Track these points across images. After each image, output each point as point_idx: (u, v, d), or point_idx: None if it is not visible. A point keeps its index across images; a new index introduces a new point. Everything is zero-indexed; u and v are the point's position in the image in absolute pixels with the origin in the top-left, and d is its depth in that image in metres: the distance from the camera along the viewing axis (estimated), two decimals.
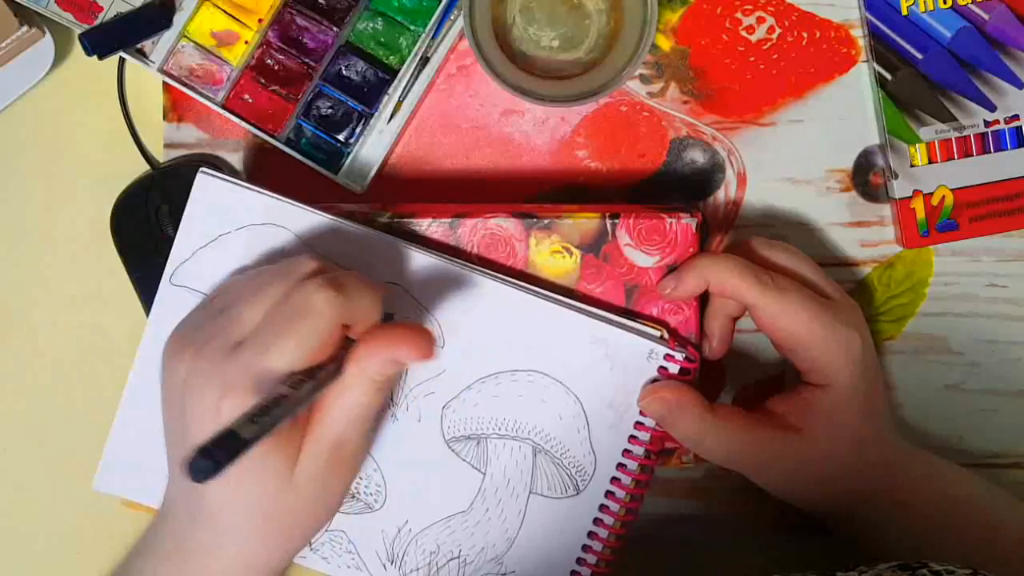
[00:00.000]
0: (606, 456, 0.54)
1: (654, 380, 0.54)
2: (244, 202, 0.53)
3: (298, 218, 0.53)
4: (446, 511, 0.55)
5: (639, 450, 0.54)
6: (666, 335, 0.55)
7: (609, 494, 0.54)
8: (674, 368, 0.54)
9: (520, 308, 0.54)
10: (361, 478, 0.55)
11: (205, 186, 0.54)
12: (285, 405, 0.43)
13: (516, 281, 0.54)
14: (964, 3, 0.58)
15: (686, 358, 0.54)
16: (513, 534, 0.55)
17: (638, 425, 0.54)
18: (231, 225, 0.54)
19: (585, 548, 0.55)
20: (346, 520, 0.55)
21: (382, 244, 0.53)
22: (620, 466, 0.54)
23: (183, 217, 0.54)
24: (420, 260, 0.53)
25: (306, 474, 0.48)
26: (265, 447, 0.44)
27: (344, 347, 0.47)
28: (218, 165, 0.59)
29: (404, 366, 0.47)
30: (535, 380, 0.54)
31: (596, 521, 0.55)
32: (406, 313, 0.54)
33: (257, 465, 0.46)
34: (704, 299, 0.56)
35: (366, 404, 0.48)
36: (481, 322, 0.54)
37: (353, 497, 0.55)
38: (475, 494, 0.55)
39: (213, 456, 0.38)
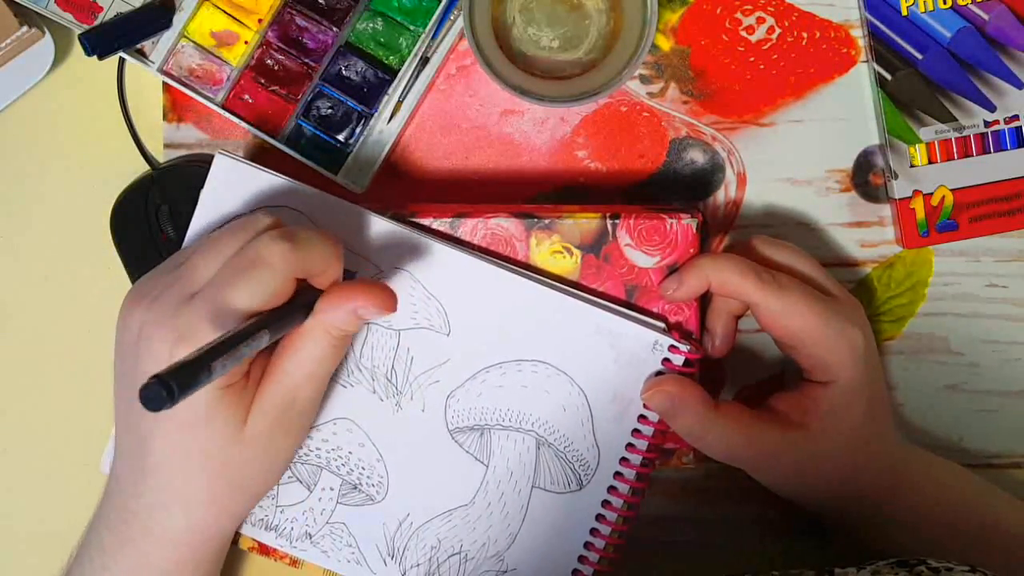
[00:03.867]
0: (609, 450, 0.54)
1: (658, 373, 0.54)
2: (261, 185, 0.54)
3: (314, 202, 0.54)
4: (448, 504, 0.55)
5: (642, 444, 0.54)
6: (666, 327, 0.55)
7: (612, 489, 0.54)
8: (678, 360, 0.53)
9: (527, 297, 0.54)
10: (363, 468, 0.55)
11: (223, 168, 0.54)
12: (240, 345, 0.42)
13: (524, 271, 0.54)
14: (964, 3, 0.58)
15: (690, 349, 0.54)
16: (515, 530, 0.55)
17: (642, 419, 0.54)
18: (247, 207, 0.54)
19: (587, 545, 0.55)
20: (347, 512, 0.55)
21: (395, 232, 0.54)
22: (623, 460, 0.54)
23: (199, 198, 0.54)
24: (430, 249, 0.54)
25: (255, 429, 0.48)
26: (216, 398, 0.46)
27: (304, 301, 0.48)
28: None
29: (364, 321, 0.48)
30: (539, 370, 0.54)
31: (599, 517, 0.54)
32: (414, 300, 0.54)
33: (207, 415, 0.47)
34: (704, 300, 0.56)
35: (320, 359, 0.48)
36: (488, 311, 0.54)
37: (355, 488, 0.55)
38: (477, 487, 0.55)
39: (167, 384, 0.38)
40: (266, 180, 0.53)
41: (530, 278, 0.54)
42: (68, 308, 0.60)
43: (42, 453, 0.61)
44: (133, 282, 0.58)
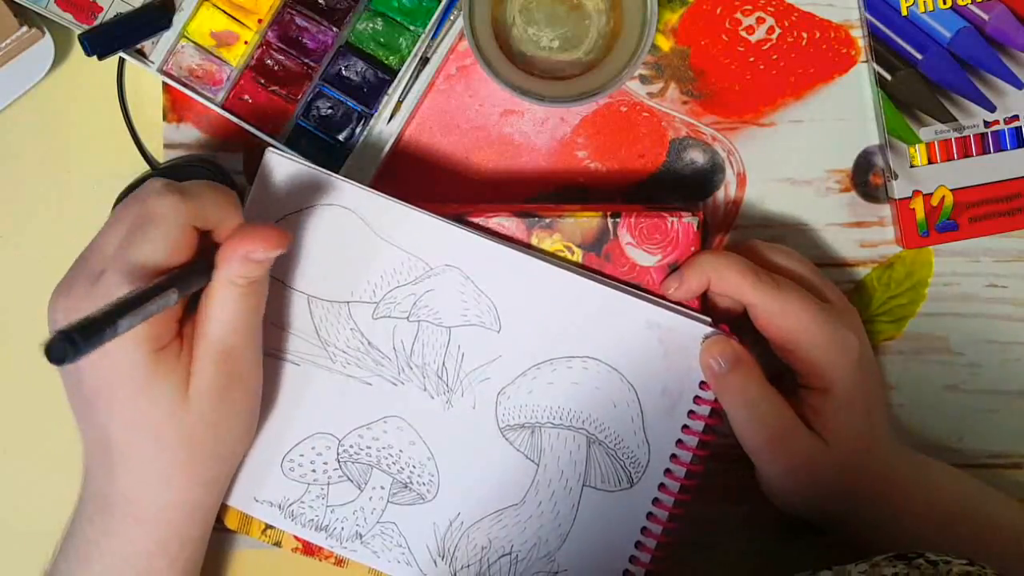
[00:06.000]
0: (660, 446, 0.54)
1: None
2: (310, 182, 0.54)
3: (362, 200, 0.54)
4: (498, 504, 0.55)
5: (692, 440, 0.54)
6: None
7: (662, 487, 0.54)
8: None
9: (578, 293, 0.54)
10: (414, 467, 0.55)
11: (272, 166, 0.54)
12: (146, 303, 0.43)
13: (573, 267, 0.54)
14: (964, 3, 0.58)
15: (740, 342, 0.53)
16: (566, 530, 0.54)
17: (692, 414, 0.54)
18: (296, 205, 0.54)
19: (638, 545, 0.54)
20: (398, 511, 0.55)
21: (443, 229, 0.54)
22: (673, 457, 0.54)
23: (248, 197, 0.54)
24: (480, 246, 0.54)
25: (198, 392, 0.48)
26: (152, 363, 0.47)
27: (208, 258, 0.48)
28: (218, 165, 0.59)
29: (260, 264, 0.48)
30: (590, 367, 0.54)
31: (649, 516, 0.54)
32: (464, 297, 0.54)
33: (147, 382, 0.47)
34: (706, 299, 0.55)
35: (236, 308, 0.48)
36: (539, 307, 0.54)
37: (406, 487, 0.55)
38: (528, 486, 0.54)
39: (71, 337, 0.38)
40: (315, 177, 0.54)
41: (581, 274, 0.54)
42: None
43: (42, 452, 0.61)
44: None
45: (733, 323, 0.55)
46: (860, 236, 0.60)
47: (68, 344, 0.38)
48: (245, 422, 0.52)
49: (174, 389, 0.48)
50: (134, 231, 0.47)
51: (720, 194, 0.60)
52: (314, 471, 0.55)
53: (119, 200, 0.58)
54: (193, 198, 0.48)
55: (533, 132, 0.60)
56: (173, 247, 0.47)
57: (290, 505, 0.55)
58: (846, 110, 0.60)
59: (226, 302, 0.48)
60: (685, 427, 0.54)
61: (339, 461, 0.55)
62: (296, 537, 0.56)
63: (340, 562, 0.56)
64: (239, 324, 0.49)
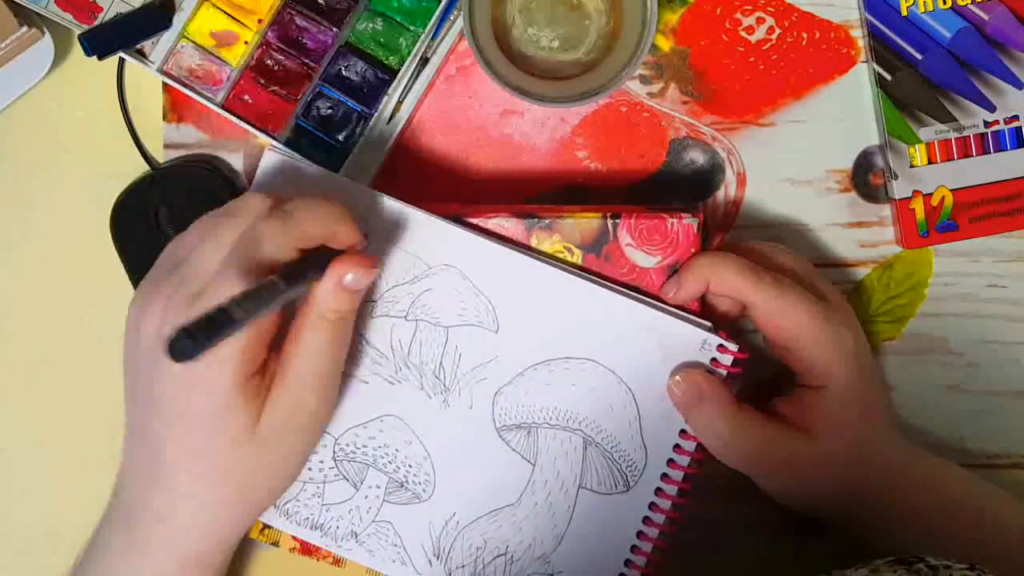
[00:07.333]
0: (657, 451, 0.54)
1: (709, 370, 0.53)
2: (309, 181, 0.54)
3: (360, 198, 0.54)
4: (494, 504, 0.55)
5: (689, 445, 0.54)
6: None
7: (659, 491, 0.54)
8: (726, 359, 0.53)
9: (577, 295, 0.54)
10: (410, 466, 0.55)
11: (271, 165, 0.54)
12: (256, 298, 0.43)
13: (574, 269, 0.54)
14: (964, 3, 0.58)
15: (739, 349, 0.53)
16: (561, 531, 0.54)
17: None
18: None
19: (634, 549, 0.54)
20: (393, 511, 0.55)
21: (441, 228, 0.54)
22: (671, 462, 0.54)
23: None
24: (479, 245, 0.54)
25: (267, 428, 0.49)
26: (236, 387, 0.47)
27: (318, 260, 0.48)
28: (218, 165, 0.59)
29: (351, 292, 0.48)
30: (587, 369, 0.54)
31: (645, 520, 0.54)
32: (462, 297, 0.54)
33: (224, 407, 0.47)
34: (705, 305, 0.55)
35: (321, 350, 0.49)
36: (538, 308, 0.54)
37: (401, 486, 0.55)
38: (524, 487, 0.54)
39: (192, 332, 0.39)
40: (314, 177, 0.54)
41: (581, 276, 0.54)
42: (68, 308, 0.60)
43: (42, 452, 0.61)
44: (133, 281, 0.58)
45: (732, 327, 0.55)
46: (860, 236, 0.60)
47: (191, 340, 0.39)
48: (296, 468, 0.53)
49: (246, 419, 0.48)
50: (240, 250, 0.47)
51: (720, 194, 0.60)
52: (309, 469, 0.55)
53: (119, 200, 0.58)
54: (297, 225, 0.47)
55: (533, 132, 0.60)
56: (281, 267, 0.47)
57: (285, 503, 0.55)
58: (846, 110, 0.60)
59: (312, 341, 0.49)
60: (683, 432, 0.54)
61: (335, 459, 0.55)
62: (293, 537, 0.56)
63: (338, 562, 0.56)
64: (321, 368, 0.49)
